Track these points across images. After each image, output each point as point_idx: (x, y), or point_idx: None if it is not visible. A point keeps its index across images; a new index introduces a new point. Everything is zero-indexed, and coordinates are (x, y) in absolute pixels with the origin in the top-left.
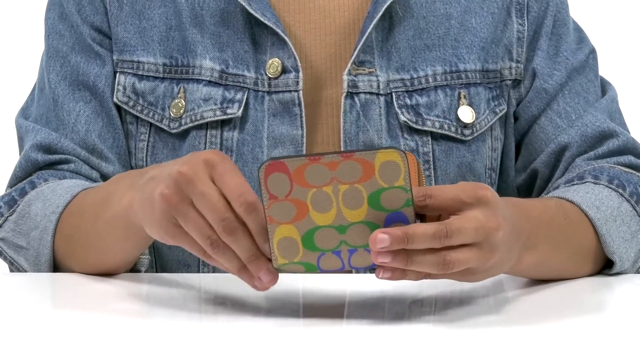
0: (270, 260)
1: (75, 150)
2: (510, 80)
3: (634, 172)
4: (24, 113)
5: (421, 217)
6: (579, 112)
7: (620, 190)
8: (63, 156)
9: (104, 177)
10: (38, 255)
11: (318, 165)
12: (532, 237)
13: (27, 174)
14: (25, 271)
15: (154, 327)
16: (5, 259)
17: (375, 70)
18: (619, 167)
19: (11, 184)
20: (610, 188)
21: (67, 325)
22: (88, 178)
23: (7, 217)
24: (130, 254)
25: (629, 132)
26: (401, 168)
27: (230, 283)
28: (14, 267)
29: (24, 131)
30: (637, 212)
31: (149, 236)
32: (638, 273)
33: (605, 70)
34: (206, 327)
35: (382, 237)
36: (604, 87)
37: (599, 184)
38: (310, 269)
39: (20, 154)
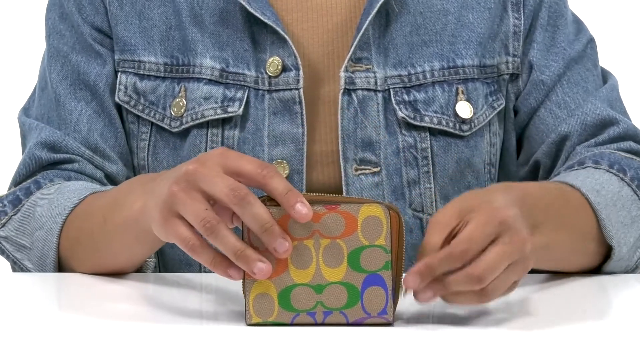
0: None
1: (80, 149)
2: (507, 74)
3: (634, 157)
4: (26, 112)
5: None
6: (578, 101)
7: (621, 175)
8: (67, 155)
9: (108, 177)
10: (43, 255)
11: None
12: (532, 216)
13: (31, 172)
14: (29, 271)
15: (154, 328)
16: (8, 257)
17: (373, 66)
18: (620, 152)
19: (15, 182)
20: (611, 172)
21: (69, 325)
22: (92, 178)
23: (11, 216)
24: (138, 258)
25: (630, 120)
26: (383, 225)
27: (231, 283)
28: (17, 266)
29: (27, 129)
30: (638, 196)
31: (158, 240)
32: (638, 262)
33: (605, 63)
34: (207, 327)
35: (412, 279)
36: (605, 76)
37: (600, 168)
38: (282, 324)
39: (22, 152)
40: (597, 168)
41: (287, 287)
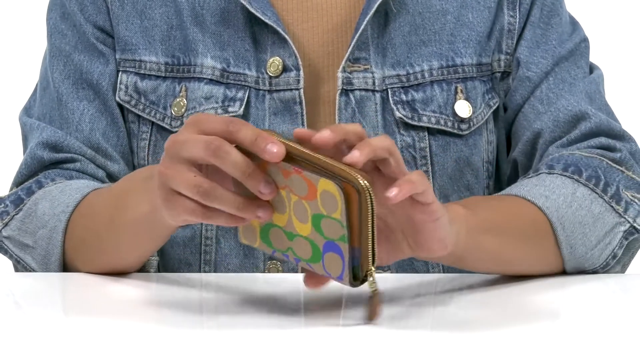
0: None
1: (81, 148)
2: (499, 72)
3: (597, 155)
4: (27, 112)
5: (356, 250)
6: (560, 97)
7: (576, 177)
8: (69, 155)
9: (110, 176)
10: (47, 254)
11: (276, 166)
12: (457, 204)
13: (32, 172)
14: (33, 270)
15: (157, 328)
16: (10, 257)
17: (371, 66)
18: (581, 152)
19: (17, 183)
20: (564, 176)
21: (71, 324)
22: (94, 177)
23: (14, 215)
24: (146, 255)
25: (608, 113)
26: (338, 203)
27: (232, 283)
28: (20, 265)
29: (29, 129)
30: (597, 194)
31: (167, 234)
32: (609, 257)
33: (601, 65)
34: (208, 327)
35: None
36: (590, 68)
37: (553, 173)
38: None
39: (24, 152)
40: (550, 173)
41: (267, 224)
